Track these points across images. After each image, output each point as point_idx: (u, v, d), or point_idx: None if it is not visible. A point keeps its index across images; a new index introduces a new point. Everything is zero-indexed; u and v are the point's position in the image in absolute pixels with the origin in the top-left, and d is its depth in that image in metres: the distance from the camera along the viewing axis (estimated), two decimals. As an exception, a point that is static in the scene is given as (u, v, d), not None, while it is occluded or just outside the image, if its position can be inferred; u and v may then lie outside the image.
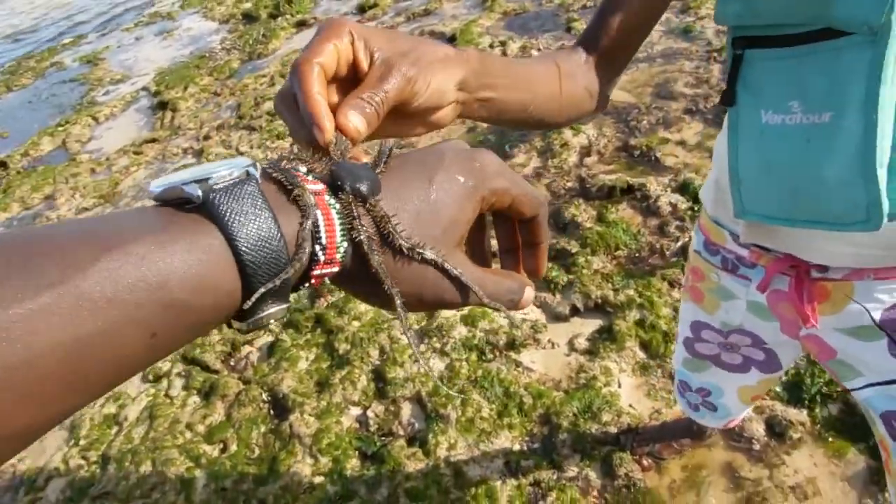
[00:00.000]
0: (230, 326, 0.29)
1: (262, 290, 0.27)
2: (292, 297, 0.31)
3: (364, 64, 0.40)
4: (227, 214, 0.26)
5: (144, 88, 5.05)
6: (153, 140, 4.11)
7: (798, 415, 1.58)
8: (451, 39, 4.16)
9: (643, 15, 0.66)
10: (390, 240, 0.31)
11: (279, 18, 5.60)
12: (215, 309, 0.26)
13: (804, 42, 0.57)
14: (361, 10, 5.23)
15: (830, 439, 1.52)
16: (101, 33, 7.09)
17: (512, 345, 1.98)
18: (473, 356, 1.98)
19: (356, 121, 0.37)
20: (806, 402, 1.60)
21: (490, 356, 1.97)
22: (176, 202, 0.27)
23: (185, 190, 0.26)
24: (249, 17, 5.93)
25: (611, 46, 0.66)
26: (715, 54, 3.14)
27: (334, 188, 0.31)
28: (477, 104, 0.49)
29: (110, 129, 4.57)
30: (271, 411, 2.02)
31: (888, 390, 0.78)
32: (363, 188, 0.31)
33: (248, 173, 0.28)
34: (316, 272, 0.30)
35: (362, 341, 2.11)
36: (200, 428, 2.00)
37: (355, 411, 1.94)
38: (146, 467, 1.90)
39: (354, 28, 0.39)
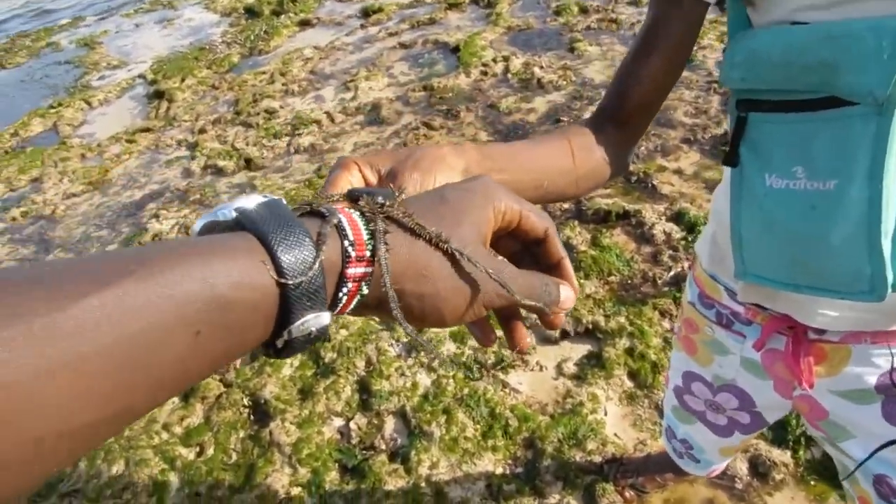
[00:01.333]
0: (272, 348, 0.29)
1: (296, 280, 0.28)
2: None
3: (374, 183, 0.45)
4: (260, 222, 0.28)
5: (141, 76, 4.99)
6: (147, 129, 4.06)
7: (781, 455, 1.58)
8: (455, 50, 4.17)
9: (660, 84, 0.67)
10: (417, 231, 0.32)
11: (282, 16, 5.58)
12: (255, 309, 0.27)
13: (809, 109, 0.57)
14: (366, 14, 5.22)
15: (812, 482, 1.53)
16: (100, 17, 7.01)
17: (500, 364, 1.97)
18: (460, 374, 1.97)
19: None
20: (790, 443, 1.60)
21: (477, 375, 1.96)
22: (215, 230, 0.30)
23: (219, 214, 0.29)
24: (252, 13, 5.89)
25: (629, 116, 0.67)
26: (715, 85, 3.18)
27: (353, 201, 0.34)
28: None
29: (104, 115, 4.50)
30: (251, 417, 1.98)
31: (882, 454, 0.78)
32: (379, 197, 0.33)
33: (273, 199, 0.31)
34: (350, 270, 0.30)
35: (349, 351, 2.09)
36: (177, 429, 1.96)
37: (338, 422, 1.92)
38: (119, 467, 1.86)
39: (358, 159, 0.44)
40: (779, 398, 0.87)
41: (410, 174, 0.43)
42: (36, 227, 3.33)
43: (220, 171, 3.44)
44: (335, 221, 0.30)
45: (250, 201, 0.30)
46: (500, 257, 0.36)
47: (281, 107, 3.99)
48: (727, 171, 0.73)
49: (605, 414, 1.79)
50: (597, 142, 0.65)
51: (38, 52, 6.13)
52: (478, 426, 1.80)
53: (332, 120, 3.71)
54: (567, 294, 0.39)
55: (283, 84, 4.28)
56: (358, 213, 0.32)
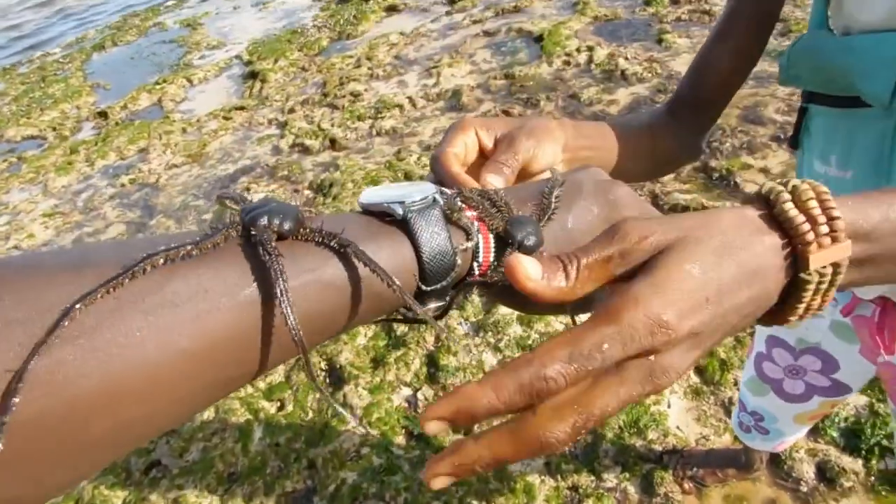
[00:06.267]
0: (399, 314, 0.36)
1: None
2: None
3: (489, 145, 0.49)
4: (418, 232, 0.33)
5: (237, 57, 5.28)
6: (241, 108, 4.31)
7: (852, 463, 1.55)
8: (539, 39, 4.17)
9: (735, 70, 0.73)
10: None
11: (371, 2, 5.73)
12: (396, 301, 0.33)
13: (843, 106, 0.64)
14: (452, 1, 5.29)
15: (884, 493, 1.49)
16: (202, -1, 7.44)
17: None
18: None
19: (495, 181, 0.45)
20: (863, 451, 1.56)
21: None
22: (378, 214, 0.35)
23: (391, 207, 0.34)
24: (342, -2, 6.09)
25: (704, 102, 0.73)
26: (811, 83, 3.04)
27: (506, 239, 0.36)
28: (577, 164, 0.57)
29: (203, 93, 4.81)
30: (327, 379, 2.12)
31: None
32: (529, 243, 0.35)
33: (434, 199, 0.35)
34: (470, 280, 0.36)
35: (420, 326, 2.19)
36: (261, 384, 2.13)
37: (406, 392, 2.02)
38: (210, 413, 2.04)
39: (476, 122, 0.49)
40: (864, 362, 0.90)
41: (526, 140, 0.48)
42: (141, 193, 3.64)
43: (306, 150, 3.62)
44: (472, 245, 0.35)
45: (416, 195, 0.34)
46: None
47: (365, 90, 4.13)
48: None
49: (669, 406, 1.80)
50: (674, 127, 0.71)
51: (146, 31, 6.59)
52: (540, 407, 1.86)
53: (414, 105, 3.81)
54: None
55: (368, 68, 4.43)
56: (493, 239, 0.36)
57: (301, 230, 0.30)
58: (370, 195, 0.35)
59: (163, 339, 0.24)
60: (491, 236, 0.36)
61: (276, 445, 1.91)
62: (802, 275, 0.30)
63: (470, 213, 0.36)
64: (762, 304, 0.30)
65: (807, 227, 0.29)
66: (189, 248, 0.27)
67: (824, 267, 0.29)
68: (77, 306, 0.23)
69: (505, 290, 0.38)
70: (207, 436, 1.97)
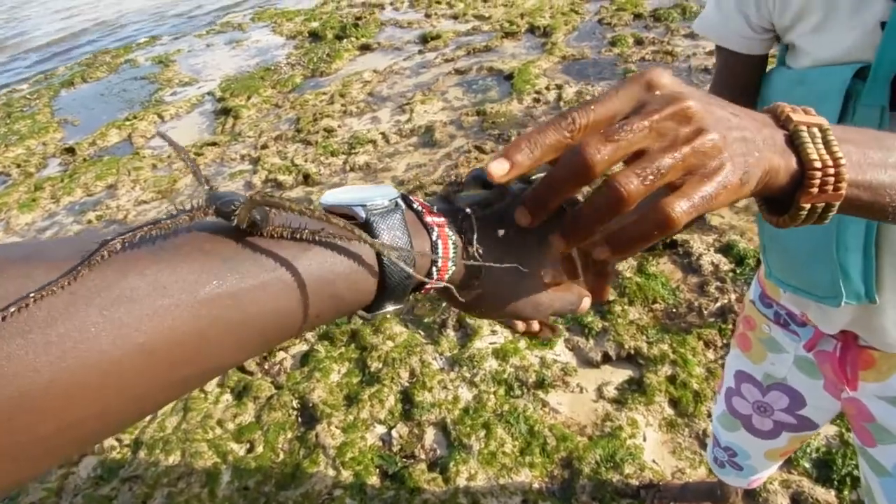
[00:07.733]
0: (357, 314, 0.37)
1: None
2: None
3: None
4: (380, 235, 0.34)
5: (210, 93, 5.28)
6: (213, 143, 4.29)
7: (825, 494, 1.56)
8: (509, 77, 4.27)
9: None
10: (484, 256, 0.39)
11: (344, 40, 5.82)
12: (356, 302, 0.34)
13: None
14: (424, 40, 5.40)
15: (857, 522, 1.50)
16: (174, 37, 7.46)
17: (541, 384, 2.00)
18: (501, 390, 2.01)
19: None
20: (835, 482, 1.58)
21: (518, 392, 2.00)
22: (340, 216, 0.34)
23: (353, 210, 0.34)
24: (315, 37, 6.17)
25: None
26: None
27: (456, 223, 0.39)
28: None
29: (174, 129, 4.78)
30: (299, 419, 2.07)
31: None
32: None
33: (396, 203, 0.36)
34: (429, 285, 0.37)
35: (394, 362, 2.16)
36: (230, 426, 2.06)
37: (380, 429, 1.98)
38: (175, 457, 1.97)
39: None
40: (829, 398, 0.92)
41: None
42: (109, 230, 3.56)
43: (279, 185, 3.61)
44: (437, 262, 0.36)
45: (377, 199, 0.34)
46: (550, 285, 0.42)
47: (339, 126, 4.16)
48: None
49: (644, 440, 1.80)
50: None
51: (117, 68, 6.56)
52: (516, 442, 1.84)
53: (387, 140, 3.85)
54: (584, 305, 0.45)
55: (342, 105, 4.47)
56: (452, 243, 0.37)
57: (270, 226, 0.30)
58: (332, 196, 0.36)
59: (119, 335, 0.24)
60: (450, 242, 0.37)
61: (244, 489, 1.85)
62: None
63: (430, 219, 0.37)
64: (766, 142, 0.35)
65: (816, 178, 0.35)
66: (147, 227, 0.26)
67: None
68: (31, 296, 0.22)
69: (463, 295, 0.39)
70: (172, 481, 1.90)
